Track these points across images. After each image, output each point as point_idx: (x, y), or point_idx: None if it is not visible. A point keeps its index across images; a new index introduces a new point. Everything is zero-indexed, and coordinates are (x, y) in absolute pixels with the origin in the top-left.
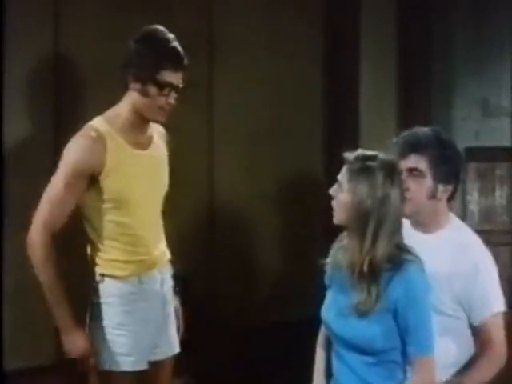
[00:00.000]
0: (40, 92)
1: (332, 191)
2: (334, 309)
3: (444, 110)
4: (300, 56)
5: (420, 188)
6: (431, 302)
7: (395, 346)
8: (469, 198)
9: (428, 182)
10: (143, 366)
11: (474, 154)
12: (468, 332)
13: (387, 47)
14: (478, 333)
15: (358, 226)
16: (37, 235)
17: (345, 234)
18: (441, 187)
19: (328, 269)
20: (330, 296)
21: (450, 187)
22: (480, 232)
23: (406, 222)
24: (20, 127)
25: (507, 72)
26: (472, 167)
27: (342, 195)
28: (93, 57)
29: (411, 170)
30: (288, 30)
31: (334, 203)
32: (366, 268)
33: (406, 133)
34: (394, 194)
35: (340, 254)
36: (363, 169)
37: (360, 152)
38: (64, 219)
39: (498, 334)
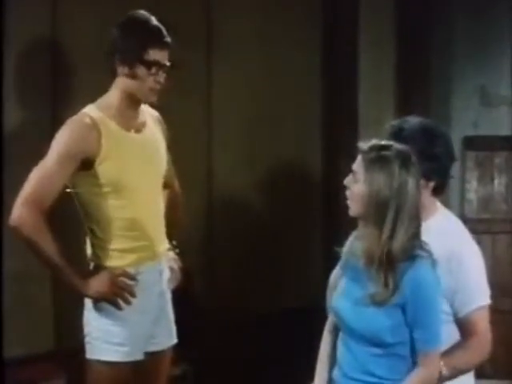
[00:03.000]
0: (38, 78)
1: (347, 182)
2: (347, 298)
3: (443, 99)
4: (299, 45)
5: None
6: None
7: (403, 341)
8: (467, 186)
9: None
10: (138, 357)
11: (473, 142)
12: (448, 329)
13: (386, 37)
14: (463, 324)
15: (375, 216)
16: (22, 212)
17: (362, 224)
18: (422, 182)
19: (344, 257)
20: (343, 285)
21: (431, 184)
22: (479, 220)
23: None
24: (18, 114)
25: (506, 61)
26: (471, 156)
27: (358, 186)
28: (91, 42)
29: None
30: (287, 18)
31: (348, 194)
32: (384, 258)
33: (397, 122)
34: (411, 182)
35: (357, 243)
36: (379, 158)
37: (374, 142)
38: (51, 199)
39: (484, 325)
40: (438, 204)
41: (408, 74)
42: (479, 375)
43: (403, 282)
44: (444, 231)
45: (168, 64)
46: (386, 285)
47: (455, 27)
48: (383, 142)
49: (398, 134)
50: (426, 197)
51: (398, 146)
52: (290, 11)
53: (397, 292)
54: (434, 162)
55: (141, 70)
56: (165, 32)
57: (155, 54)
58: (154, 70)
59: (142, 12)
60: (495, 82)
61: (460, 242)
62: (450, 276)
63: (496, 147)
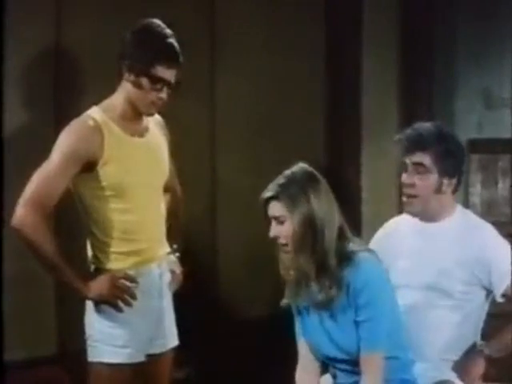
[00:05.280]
0: (41, 82)
1: (275, 233)
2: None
3: (446, 102)
4: (302, 48)
5: (426, 183)
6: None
7: None
8: (471, 189)
9: (434, 177)
10: (140, 359)
11: (477, 145)
12: (479, 314)
13: (389, 39)
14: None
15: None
16: (23, 213)
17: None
18: (446, 181)
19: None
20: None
21: (454, 180)
22: None
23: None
24: (20, 118)
25: (508, 64)
26: (474, 159)
27: (286, 226)
28: (94, 47)
29: (417, 166)
30: (290, 21)
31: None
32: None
33: (408, 130)
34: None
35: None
36: (295, 193)
37: (277, 183)
38: (53, 200)
39: None
40: (457, 204)
41: (411, 77)
42: (484, 378)
43: (348, 284)
44: (466, 226)
45: (174, 82)
46: (330, 288)
47: (458, 28)
48: (281, 180)
49: (418, 140)
50: (448, 195)
51: (295, 172)
52: (292, 16)
53: (343, 293)
54: (453, 158)
55: (145, 83)
56: (178, 50)
57: (162, 72)
58: (158, 85)
59: (159, 23)
60: (498, 85)
61: (483, 232)
62: (481, 266)
63: (500, 150)
